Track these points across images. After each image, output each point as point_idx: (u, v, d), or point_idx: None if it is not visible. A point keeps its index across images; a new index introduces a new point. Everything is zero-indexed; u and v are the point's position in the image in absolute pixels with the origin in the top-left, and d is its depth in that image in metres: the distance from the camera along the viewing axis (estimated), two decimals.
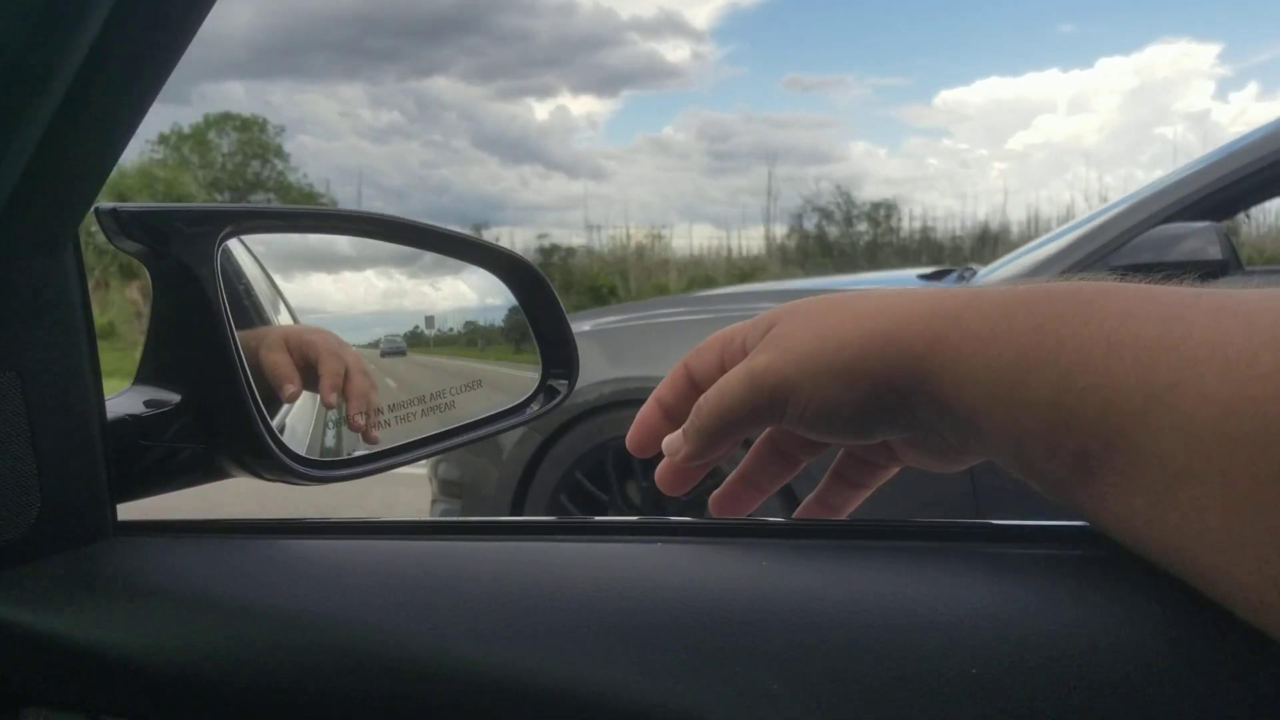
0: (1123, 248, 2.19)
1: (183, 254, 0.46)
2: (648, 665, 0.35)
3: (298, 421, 0.56)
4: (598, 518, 0.47)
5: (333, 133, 49.28)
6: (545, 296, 0.64)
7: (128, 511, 0.50)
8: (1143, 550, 0.31)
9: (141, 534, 0.49)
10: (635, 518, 0.45)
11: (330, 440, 0.57)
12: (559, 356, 0.65)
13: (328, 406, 0.56)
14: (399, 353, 0.62)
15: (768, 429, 0.45)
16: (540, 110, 58.49)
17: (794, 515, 0.46)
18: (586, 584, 0.39)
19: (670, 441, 0.43)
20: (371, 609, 0.40)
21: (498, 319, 0.67)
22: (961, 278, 2.95)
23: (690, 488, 0.44)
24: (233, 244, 0.52)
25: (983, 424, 0.33)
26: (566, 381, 0.65)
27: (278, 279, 0.57)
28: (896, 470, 0.45)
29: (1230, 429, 0.26)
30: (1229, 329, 0.27)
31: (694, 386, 0.43)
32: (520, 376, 0.65)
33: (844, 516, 0.46)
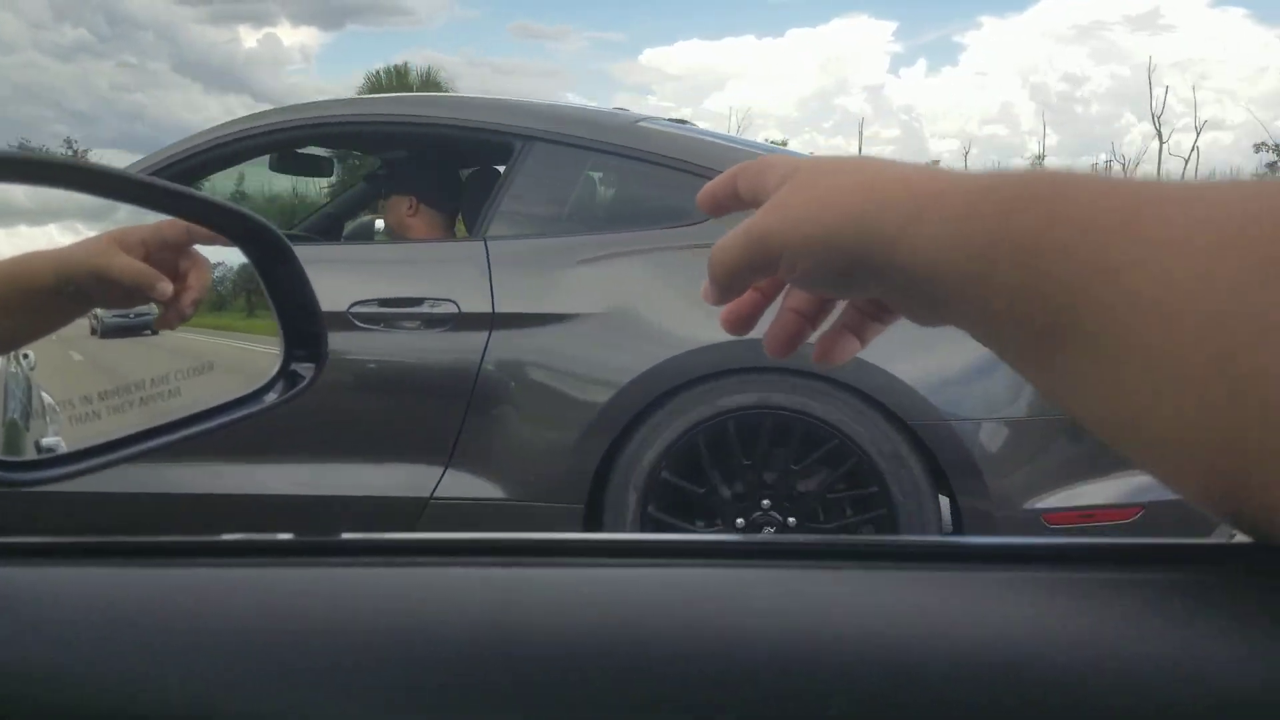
0: None
1: None
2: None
3: None
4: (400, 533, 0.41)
5: (8, 46, 43.29)
6: (288, 265, 0.55)
7: None
8: (1099, 427, 0.33)
9: None
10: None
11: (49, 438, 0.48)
12: (303, 334, 0.57)
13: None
14: (128, 330, 0.52)
15: None
16: (249, 38, 54.02)
17: (816, 342, 0.49)
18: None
19: (704, 290, 0.47)
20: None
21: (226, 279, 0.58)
22: None
23: (748, 327, 0.49)
24: None
25: (954, 305, 0.36)
26: (313, 365, 0.56)
27: None
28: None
29: (1167, 300, 0.29)
30: (1170, 216, 0.31)
31: (738, 196, 0.47)
32: (258, 355, 0.56)
33: (866, 345, 0.50)
